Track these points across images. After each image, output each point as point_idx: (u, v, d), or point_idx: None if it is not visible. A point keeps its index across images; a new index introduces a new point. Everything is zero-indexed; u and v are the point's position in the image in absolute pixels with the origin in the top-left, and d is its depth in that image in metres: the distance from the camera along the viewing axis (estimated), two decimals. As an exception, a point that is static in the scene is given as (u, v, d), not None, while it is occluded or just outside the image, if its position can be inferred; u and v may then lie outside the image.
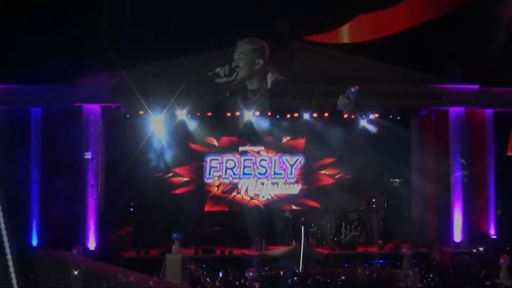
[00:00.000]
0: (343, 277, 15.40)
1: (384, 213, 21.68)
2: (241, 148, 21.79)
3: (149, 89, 18.79)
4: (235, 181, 21.80)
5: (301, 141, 21.97)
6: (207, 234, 20.89)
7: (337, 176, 22.23)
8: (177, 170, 21.48)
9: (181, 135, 20.41)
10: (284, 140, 21.97)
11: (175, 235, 15.54)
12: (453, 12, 19.27)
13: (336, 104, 18.71)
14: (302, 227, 18.69)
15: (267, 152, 21.85)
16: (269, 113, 19.79)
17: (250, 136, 21.00)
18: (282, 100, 18.99)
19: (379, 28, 19.68)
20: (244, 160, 21.79)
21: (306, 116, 20.08)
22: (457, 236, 19.47)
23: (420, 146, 21.42)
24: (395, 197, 21.63)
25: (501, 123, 20.20)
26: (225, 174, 21.74)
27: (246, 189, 21.80)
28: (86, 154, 18.60)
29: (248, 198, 21.83)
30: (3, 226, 7.30)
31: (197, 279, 15.23)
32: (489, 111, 20.40)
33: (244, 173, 21.81)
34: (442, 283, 15.68)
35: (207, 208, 21.71)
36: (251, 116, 19.77)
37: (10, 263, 7.28)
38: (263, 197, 21.88)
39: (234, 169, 21.78)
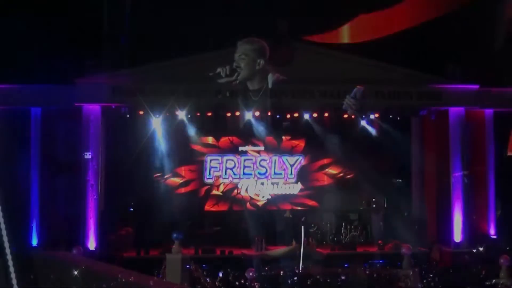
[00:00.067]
0: (343, 277, 15.39)
1: (384, 213, 21.69)
2: (241, 148, 21.79)
3: (149, 89, 18.81)
4: (235, 181, 21.80)
5: (301, 141, 21.97)
6: (207, 234, 20.88)
7: (337, 176, 22.24)
8: (177, 170, 21.49)
9: (181, 135, 20.40)
10: (284, 140, 21.98)
11: (175, 235, 15.54)
12: (453, 12, 19.30)
13: (341, 103, 18.92)
14: (302, 227, 18.67)
15: (267, 152, 21.85)
16: (269, 113, 19.80)
17: (250, 136, 21.01)
18: (282, 100, 19.02)
19: (379, 28, 19.72)
20: (244, 160, 21.79)
21: (306, 116, 20.08)
22: (457, 236, 19.46)
23: (420, 146, 21.41)
24: (395, 197, 21.62)
25: (501, 123, 20.19)
26: (225, 174, 21.75)
27: (246, 189, 21.80)
28: (86, 154, 18.60)
29: (248, 198, 21.83)
30: (3, 226, 7.31)
31: (197, 279, 15.24)
32: (489, 111, 20.39)
33: (244, 173, 21.81)
34: (442, 283, 15.69)
35: (207, 208, 21.71)
36: (251, 116, 19.78)
37: (10, 263, 7.29)
38: (263, 197, 21.88)
39: (234, 169, 21.78)
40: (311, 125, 20.21)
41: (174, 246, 15.38)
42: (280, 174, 21.98)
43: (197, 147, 21.55)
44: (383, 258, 18.52)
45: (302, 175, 22.02)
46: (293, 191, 22.00)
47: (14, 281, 7.25)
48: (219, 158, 21.71)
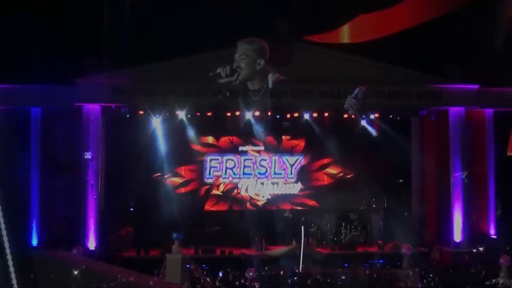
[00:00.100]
0: (343, 277, 15.39)
1: (384, 213, 21.68)
2: (241, 148, 21.79)
3: (149, 89, 18.81)
4: (235, 181, 21.81)
5: (301, 141, 21.97)
6: (207, 234, 20.88)
7: (337, 176, 22.23)
8: (177, 170, 21.49)
9: (181, 135, 20.40)
10: (284, 140, 21.98)
11: (175, 235, 15.56)
12: (453, 12, 19.29)
13: (341, 103, 18.91)
14: (302, 227, 18.67)
15: (267, 152, 21.85)
16: (269, 113, 19.80)
17: (250, 136, 21.01)
18: (282, 100, 19.02)
19: (379, 28, 19.71)
20: (244, 160, 21.80)
21: (306, 116, 20.08)
22: (457, 236, 19.46)
23: (420, 146, 21.42)
24: (395, 197, 21.62)
25: (501, 123, 20.18)
26: (225, 174, 21.75)
27: (246, 189, 21.80)
28: (86, 154, 18.59)
29: (248, 198, 21.83)
30: (3, 226, 7.31)
31: (197, 279, 15.24)
32: (489, 111, 20.39)
33: (244, 173, 21.81)
34: (442, 283, 15.69)
35: (207, 208, 21.71)
36: (251, 116, 19.78)
37: (10, 263, 7.29)
38: (263, 197, 21.88)
39: (234, 169, 21.78)
40: (311, 125, 20.21)
41: (174, 246, 15.39)
42: (280, 174, 21.98)
43: (197, 147, 21.55)
44: (383, 258, 18.52)
45: (302, 175, 22.02)
46: (293, 191, 22.00)
47: (14, 281, 7.25)
48: (219, 158, 21.72)
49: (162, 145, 20.34)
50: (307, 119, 20.13)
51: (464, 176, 19.41)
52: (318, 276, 15.56)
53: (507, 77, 19.61)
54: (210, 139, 21.74)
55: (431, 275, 16.08)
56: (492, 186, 20.44)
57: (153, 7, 19.36)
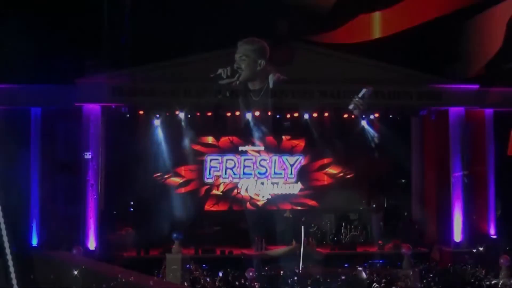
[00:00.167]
0: (343, 277, 15.39)
1: (384, 213, 21.68)
2: (241, 148, 21.79)
3: (149, 89, 18.81)
4: (235, 181, 21.81)
5: (301, 141, 21.97)
6: (207, 234, 20.87)
7: (337, 176, 22.23)
8: (177, 170, 21.49)
9: (181, 135, 20.41)
10: (284, 140, 21.98)
11: (175, 235, 15.57)
12: (453, 12, 19.27)
13: (342, 103, 18.91)
14: (302, 227, 18.69)
15: (267, 152, 21.85)
16: (269, 113, 19.80)
17: (250, 136, 21.01)
18: (282, 100, 19.02)
19: (379, 28, 19.69)
20: (244, 160, 21.79)
21: (306, 116, 20.08)
22: (457, 236, 19.46)
23: (420, 146, 21.42)
24: (395, 197, 21.62)
25: (501, 123, 20.18)
26: (225, 174, 21.75)
27: (246, 189, 21.80)
28: (86, 154, 18.60)
29: (248, 198, 21.83)
30: (3, 226, 7.31)
31: (197, 279, 15.24)
32: (489, 111, 20.40)
33: (244, 173, 21.81)
34: (442, 283, 15.67)
35: (207, 208, 21.72)
36: (251, 116, 19.77)
37: (10, 263, 7.29)
38: (263, 197, 21.88)
39: (234, 169, 21.78)
40: (311, 125, 20.22)
41: (174, 246, 15.41)
42: (280, 174, 21.98)
43: (197, 147, 21.55)
44: (383, 258, 18.52)
45: (302, 175, 22.02)
46: (293, 191, 22.00)
47: (14, 281, 7.26)
48: (219, 158, 21.72)
49: (162, 145, 20.35)
50: (307, 119, 20.14)
51: (464, 173, 19.42)
52: (318, 276, 15.56)
53: (507, 77, 19.61)
54: (210, 139, 21.74)
55: (431, 275, 16.07)
56: (492, 186, 20.45)
57: (153, 7, 19.35)
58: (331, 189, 21.85)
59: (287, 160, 21.96)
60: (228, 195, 21.78)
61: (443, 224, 20.08)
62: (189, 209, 20.93)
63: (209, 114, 19.86)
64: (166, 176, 21.39)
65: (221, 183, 21.77)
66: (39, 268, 8.15)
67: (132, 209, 21.11)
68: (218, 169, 21.73)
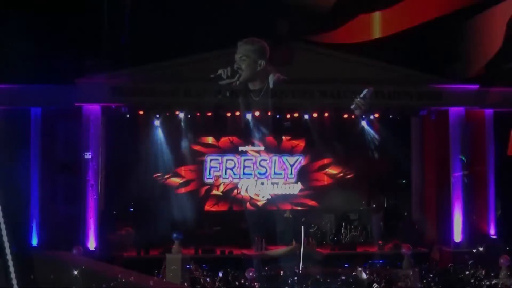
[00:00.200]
0: (343, 277, 15.39)
1: (384, 213, 21.68)
2: (241, 148, 21.79)
3: (149, 89, 18.81)
4: (235, 181, 21.81)
5: (301, 141, 21.97)
6: (207, 234, 20.88)
7: (337, 176, 22.23)
8: (177, 170, 21.49)
9: (181, 135, 20.41)
10: (284, 140, 21.98)
11: (175, 235, 15.57)
12: (453, 12, 19.27)
13: (343, 103, 18.90)
14: (302, 227, 18.68)
15: (267, 152, 21.84)
16: (269, 113, 19.80)
17: (250, 136, 21.01)
18: (282, 100, 19.02)
19: (379, 28, 19.69)
20: (244, 160, 21.79)
21: (306, 116, 20.08)
22: (457, 236, 19.47)
23: (420, 146, 21.42)
24: (395, 197, 21.60)
25: (501, 123, 20.18)
26: (225, 174, 21.75)
27: (246, 189, 21.80)
28: (86, 154, 18.60)
29: (248, 198, 21.82)
30: (3, 226, 7.31)
31: (197, 279, 15.24)
32: (489, 111, 20.40)
33: (244, 173, 21.81)
34: (442, 283, 15.66)
35: (207, 208, 21.71)
36: (251, 116, 19.77)
37: (10, 263, 7.29)
38: (263, 197, 21.88)
39: (234, 169, 21.78)
40: (311, 125, 20.22)
41: (174, 246, 15.40)
42: (280, 174, 21.98)
43: (197, 147, 21.55)
44: (383, 258, 18.52)
45: (302, 175, 22.02)
46: (293, 191, 22.00)
47: (14, 281, 7.25)
48: (219, 158, 21.72)
49: (162, 145, 20.36)
50: (307, 119, 20.14)
51: (463, 162, 19.41)
52: (318, 276, 15.56)
53: (507, 77, 19.61)
54: (210, 139, 21.74)
55: (431, 275, 16.06)
56: (492, 186, 20.45)
57: (153, 7, 19.35)
58: (331, 189, 21.85)
59: (287, 160, 21.96)
60: (228, 195, 21.78)
61: (443, 224, 20.09)
62: (189, 209, 20.92)
63: (209, 114, 19.86)
64: (166, 176, 21.39)
65: (221, 183, 21.77)
66: (39, 268, 8.14)
67: (132, 209, 21.11)
68: (218, 169, 21.73)
